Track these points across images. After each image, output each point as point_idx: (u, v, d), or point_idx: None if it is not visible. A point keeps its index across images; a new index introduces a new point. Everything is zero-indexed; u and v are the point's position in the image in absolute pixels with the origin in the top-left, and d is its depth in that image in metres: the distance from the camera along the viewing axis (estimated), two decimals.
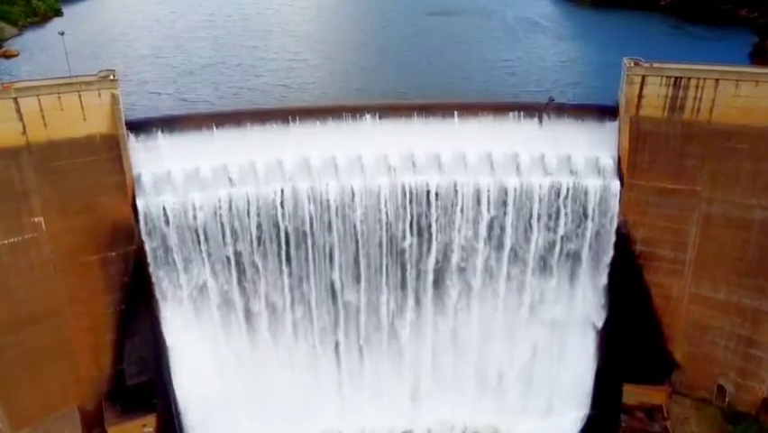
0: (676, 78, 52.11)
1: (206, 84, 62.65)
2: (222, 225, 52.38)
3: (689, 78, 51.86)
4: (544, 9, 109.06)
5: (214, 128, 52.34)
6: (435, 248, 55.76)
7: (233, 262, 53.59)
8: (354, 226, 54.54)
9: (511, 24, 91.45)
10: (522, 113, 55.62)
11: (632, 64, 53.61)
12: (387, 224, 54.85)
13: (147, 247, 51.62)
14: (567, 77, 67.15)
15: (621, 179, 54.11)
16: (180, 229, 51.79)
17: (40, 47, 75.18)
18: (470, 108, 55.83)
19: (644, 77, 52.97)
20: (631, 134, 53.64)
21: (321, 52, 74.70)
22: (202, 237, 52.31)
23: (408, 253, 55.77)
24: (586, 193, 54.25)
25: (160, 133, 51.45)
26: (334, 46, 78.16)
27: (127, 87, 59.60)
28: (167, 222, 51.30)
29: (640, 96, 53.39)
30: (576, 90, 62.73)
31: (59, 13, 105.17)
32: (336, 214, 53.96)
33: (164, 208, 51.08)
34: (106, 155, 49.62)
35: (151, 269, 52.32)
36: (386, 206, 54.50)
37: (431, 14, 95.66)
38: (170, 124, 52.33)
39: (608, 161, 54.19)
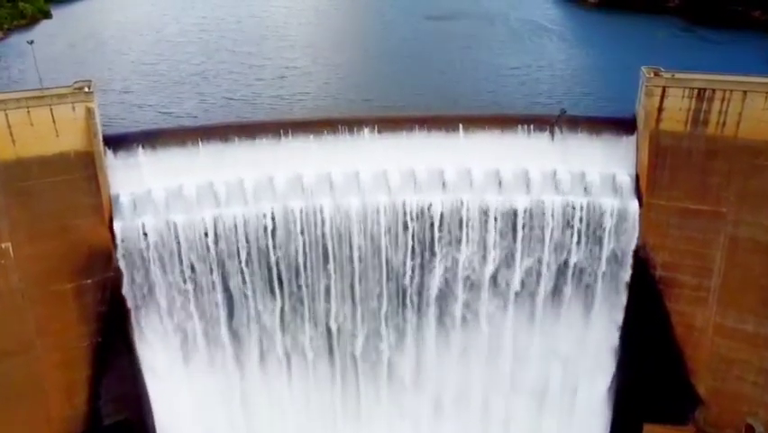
0: (700, 89, 48.12)
1: (193, 94, 58.45)
2: (207, 248, 48.38)
3: (713, 90, 47.87)
4: (548, 11, 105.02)
5: (200, 143, 48.66)
6: (438, 272, 51.62)
7: (219, 289, 49.53)
8: (350, 251, 50.52)
9: (515, 28, 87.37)
10: (532, 126, 51.72)
11: (651, 74, 49.64)
12: (386, 246, 50.81)
13: (125, 274, 47.68)
14: (577, 85, 63.02)
15: (639, 199, 50.20)
16: (162, 254, 47.90)
17: (17, 53, 71.04)
18: (475, 121, 52.02)
19: (664, 88, 49.00)
20: (650, 150, 49.74)
21: (316, 59, 70.44)
22: (186, 262, 48.39)
23: (409, 278, 51.67)
24: (602, 214, 50.30)
25: (140, 148, 47.69)
26: (331, 52, 73.88)
27: (108, 98, 55.90)
28: (147, 246, 47.31)
29: (660, 109, 49.43)
30: (588, 101, 58.52)
31: (47, 15, 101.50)
32: (331, 235, 50.03)
33: (144, 231, 47.15)
34: (81, 174, 45.84)
35: (130, 298, 48.33)
36: (385, 227, 50.54)
37: (431, 18, 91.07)
38: (152, 138, 48.63)
39: (625, 178, 50.29)
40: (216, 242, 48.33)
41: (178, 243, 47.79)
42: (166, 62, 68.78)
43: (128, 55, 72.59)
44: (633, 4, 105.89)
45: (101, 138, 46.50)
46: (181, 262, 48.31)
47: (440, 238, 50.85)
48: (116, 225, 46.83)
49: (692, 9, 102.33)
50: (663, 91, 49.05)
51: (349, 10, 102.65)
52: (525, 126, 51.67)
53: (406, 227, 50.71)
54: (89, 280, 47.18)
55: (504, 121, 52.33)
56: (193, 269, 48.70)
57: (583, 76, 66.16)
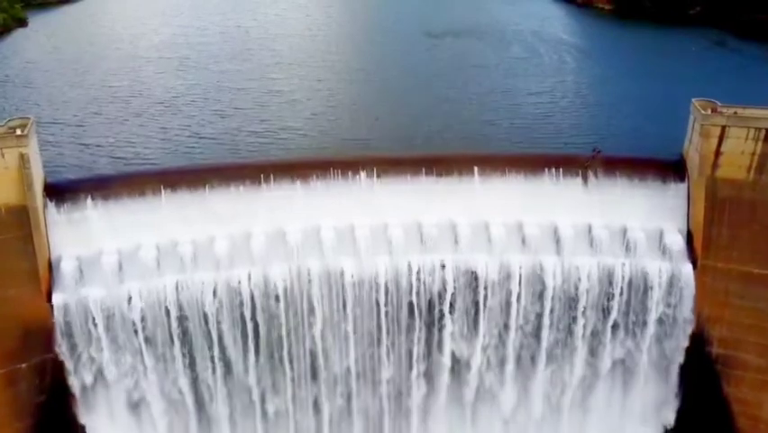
0: None
1: (156, 129, 49.72)
2: (168, 323, 39.95)
3: None
4: (562, 21, 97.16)
5: (162, 192, 40.64)
6: (449, 350, 43.11)
7: (182, 373, 41.11)
8: (344, 324, 41.99)
9: (530, 42, 78.83)
10: (561, 170, 43.51)
11: (708, 110, 41.17)
12: (387, 318, 42.27)
13: (68, 356, 39.42)
14: (608, 115, 54.67)
15: (693, 261, 41.86)
16: (114, 330, 39.61)
17: None
18: (493, 163, 43.82)
19: (724, 128, 40.77)
20: (706, 202, 41.68)
21: (304, 82, 61.66)
22: (142, 340, 39.83)
23: (415, 357, 43.13)
24: (647, 280, 41.77)
25: (89, 200, 39.72)
26: (322, 73, 64.85)
27: (56, 135, 47.46)
28: (95, 322, 38.88)
29: (718, 153, 41.28)
30: (623, 135, 50.17)
31: (22, 23, 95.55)
32: (321, 306, 41.52)
33: (90, 304, 38.77)
34: (13, 234, 38.15)
35: (75, 384, 39.89)
36: (386, 294, 42.03)
37: (434, 36, 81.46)
38: (105, 187, 40.69)
39: (675, 236, 42.00)
40: (180, 316, 40.11)
41: (133, 317, 39.20)
42: (132, 86, 60.27)
43: (93, 75, 64.26)
44: (650, 12, 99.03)
45: (40, 189, 39.05)
46: (137, 339, 39.76)
47: (452, 308, 42.22)
48: (56, 298, 38.61)
49: (714, 17, 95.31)
50: (723, 131, 40.82)
51: (343, 24, 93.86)
52: (553, 169, 43.56)
53: (410, 295, 42.24)
54: (24, 365, 39.10)
55: (527, 163, 44.22)
56: (152, 348, 40.17)
57: (614, 102, 57.68)
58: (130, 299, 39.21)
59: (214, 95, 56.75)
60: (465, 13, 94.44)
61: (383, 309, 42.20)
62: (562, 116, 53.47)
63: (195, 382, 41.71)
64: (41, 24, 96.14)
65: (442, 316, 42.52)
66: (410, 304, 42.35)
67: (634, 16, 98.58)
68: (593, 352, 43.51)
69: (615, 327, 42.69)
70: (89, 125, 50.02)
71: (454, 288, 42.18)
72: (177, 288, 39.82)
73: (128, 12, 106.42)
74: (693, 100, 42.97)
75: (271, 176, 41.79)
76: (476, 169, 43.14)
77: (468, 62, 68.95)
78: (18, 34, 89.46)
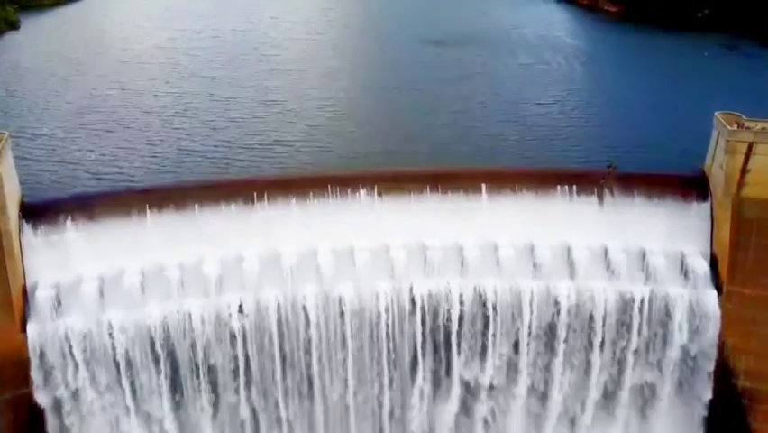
0: None
1: (142, 143, 46.79)
2: (153, 356, 37.00)
3: None
4: (569, 25, 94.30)
5: (148, 212, 37.80)
6: (457, 381, 40.21)
7: (167, 410, 38.14)
8: (343, 353, 39.04)
9: (536, 47, 76.00)
10: (575, 187, 40.61)
11: (734, 125, 38.36)
12: (388, 348, 39.38)
13: (45, 390, 36.45)
14: (621, 125, 51.87)
15: (718, 287, 38.94)
16: (94, 363, 36.59)
17: None
18: (502, 179, 40.99)
19: (751, 144, 38.06)
20: (732, 223, 38.87)
21: (302, 91, 58.60)
22: (124, 374, 36.85)
23: (420, 390, 40.24)
24: (668, 307, 38.88)
25: (69, 221, 36.87)
26: (319, 81, 61.78)
27: (34, 151, 44.55)
28: (72, 354, 36.04)
29: (744, 171, 38.59)
30: (638, 149, 47.17)
31: (15, 25, 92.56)
32: (318, 334, 38.63)
33: (68, 335, 35.83)
34: None
35: (51, 421, 37.04)
36: (387, 321, 39.10)
37: (437, 43, 78.06)
38: (86, 207, 37.78)
39: (697, 260, 39.14)
40: (166, 348, 37.02)
41: (114, 348, 36.42)
42: (121, 94, 57.46)
43: (80, 82, 61.52)
44: (657, 14, 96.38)
45: (15, 210, 36.36)
46: (119, 373, 36.80)
47: (458, 337, 39.33)
48: (31, 328, 35.76)
49: (723, 20, 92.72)
50: (750, 148, 38.09)
51: (342, 29, 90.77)
52: (566, 187, 40.65)
53: (414, 323, 39.31)
54: None
55: (538, 179, 41.41)
56: (135, 383, 37.22)
57: (626, 113, 54.98)
58: (111, 329, 36.29)
59: (206, 105, 53.86)
60: (468, 17, 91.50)
61: (384, 338, 39.26)
62: (572, 128, 50.66)
63: (181, 418, 38.71)
64: (33, 27, 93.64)
65: (448, 345, 39.60)
66: (413, 333, 39.45)
67: (640, 19, 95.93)
68: (610, 385, 40.54)
69: (633, 358, 39.72)
70: (72, 139, 47.15)
71: (461, 315, 39.26)
72: (162, 317, 36.89)
73: (123, 14, 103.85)
74: (717, 114, 40.22)
75: (265, 194, 39.05)
76: (484, 186, 40.32)
77: (472, 69, 66.00)
78: (8, 38, 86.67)
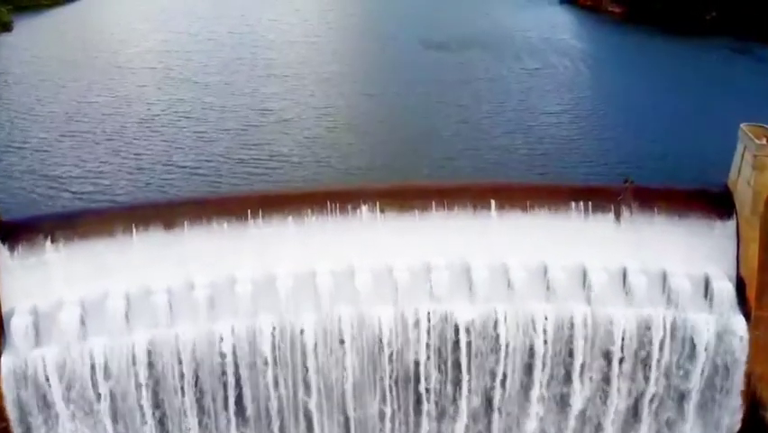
0: None
1: (129, 155, 44.16)
2: (138, 388, 34.42)
3: None
4: (574, 27, 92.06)
5: (134, 231, 35.42)
6: (463, 414, 37.61)
7: None
8: (342, 384, 36.42)
9: (542, 51, 73.56)
10: (590, 204, 38.07)
11: (762, 139, 35.82)
12: (391, 377, 36.75)
13: (20, 429, 33.93)
14: (635, 136, 49.30)
15: (746, 313, 36.26)
16: (74, 396, 33.99)
17: None
18: (512, 194, 38.56)
19: None
20: (761, 243, 36.18)
21: (299, 98, 56.10)
22: (106, 409, 34.26)
23: (425, 422, 37.64)
24: (691, 334, 36.24)
25: (49, 242, 34.54)
26: (317, 88, 59.17)
27: (14, 164, 42.11)
28: (50, 388, 33.55)
29: None
30: (653, 160, 44.77)
31: (8, 27, 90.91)
32: (316, 366, 36.06)
33: (46, 367, 33.22)
34: None
35: None
36: (389, 347, 36.41)
37: (438, 48, 75.46)
38: (68, 226, 35.42)
39: (723, 283, 36.48)
40: (152, 380, 34.49)
41: (95, 381, 33.90)
42: (110, 102, 55.17)
43: (69, 89, 59.19)
44: (662, 16, 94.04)
45: None
46: (101, 408, 34.31)
47: (467, 365, 36.72)
48: (6, 360, 33.21)
49: (731, 22, 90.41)
50: None
51: (342, 32, 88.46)
52: (581, 203, 38.08)
53: (418, 350, 36.65)
54: None
55: (551, 194, 38.99)
56: (118, 418, 34.69)
57: (639, 121, 52.40)
58: (93, 359, 33.73)
59: (198, 113, 51.32)
60: (470, 19, 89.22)
61: (387, 367, 36.66)
62: (584, 139, 48.23)
63: None
64: (26, 29, 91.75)
65: (456, 375, 36.98)
66: (417, 361, 36.83)
67: (645, 21, 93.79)
68: (631, 418, 37.89)
69: (653, 389, 37.09)
70: (54, 151, 44.67)
71: (469, 342, 36.67)
72: (148, 346, 34.33)
73: (119, 15, 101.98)
74: (742, 126, 37.63)
75: (259, 211, 36.64)
76: (493, 202, 37.86)
77: (476, 74, 63.53)
78: (0, 41, 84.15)
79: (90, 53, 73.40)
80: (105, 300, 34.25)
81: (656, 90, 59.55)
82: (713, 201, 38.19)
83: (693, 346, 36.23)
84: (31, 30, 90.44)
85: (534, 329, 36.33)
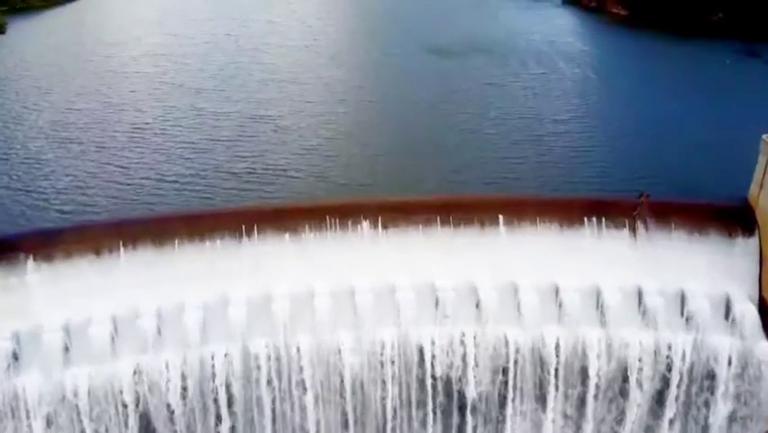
0: None
1: (117, 167, 42.00)
2: (125, 419, 32.30)
3: None
4: (579, 30, 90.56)
5: (122, 249, 33.26)
6: None
7: None
8: (343, 410, 34.39)
9: (547, 55, 71.74)
10: (603, 219, 35.95)
11: None
12: (394, 405, 34.73)
13: None
14: (649, 146, 47.17)
15: None
16: (55, 430, 31.71)
17: None
18: (522, 209, 36.41)
19: None
20: None
21: (297, 105, 53.78)
22: None
23: None
24: (712, 360, 34.14)
25: (30, 261, 32.26)
26: (317, 94, 56.88)
27: None
28: (30, 419, 31.25)
29: None
30: (666, 172, 42.65)
31: (1, 29, 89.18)
32: (314, 394, 34.07)
33: (26, 397, 31.05)
34: None
35: None
36: (392, 374, 34.36)
37: (439, 53, 73.06)
38: (50, 243, 33.12)
39: (745, 305, 34.36)
40: (140, 409, 32.47)
41: (78, 412, 31.74)
42: (97, 109, 52.80)
43: (56, 95, 56.97)
44: (668, 18, 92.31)
45: None
46: None
47: (475, 394, 34.65)
48: None
49: (738, 24, 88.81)
50: None
51: (341, 35, 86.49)
52: (594, 218, 36.08)
53: (423, 377, 34.59)
54: None
55: (562, 209, 36.82)
56: None
57: (652, 129, 50.07)
58: (76, 388, 31.60)
59: (191, 121, 49.10)
60: (473, 22, 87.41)
61: (389, 394, 34.62)
62: (595, 149, 45.97)
63: None
64: (20, 31, 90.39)
65: (461, 403, 34.92)
66: (422, 389, 34.78)
67: (650, 22, 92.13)
68: None
69: (672, 421, 35.04)
70: (38, 162, 42.30)
71: (476, 367, 34.61)
72: (135, 373, 32.26)
73: (114, 17, 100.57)
74: (764, 137, 35.53)
75: (255, 227, 34.47)
76: (501, 217, 35.75)
77: (481, 80, 61.36)
78: None
79: (82, 57, 71.36)
80: (89, 325, 31.96)
81: (669, 96, 57.40)
82: (734, 216, 36.17)
83: (714, 373, 34.19)
84: (25, 32, 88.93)
85: (546, 354, 34.26)
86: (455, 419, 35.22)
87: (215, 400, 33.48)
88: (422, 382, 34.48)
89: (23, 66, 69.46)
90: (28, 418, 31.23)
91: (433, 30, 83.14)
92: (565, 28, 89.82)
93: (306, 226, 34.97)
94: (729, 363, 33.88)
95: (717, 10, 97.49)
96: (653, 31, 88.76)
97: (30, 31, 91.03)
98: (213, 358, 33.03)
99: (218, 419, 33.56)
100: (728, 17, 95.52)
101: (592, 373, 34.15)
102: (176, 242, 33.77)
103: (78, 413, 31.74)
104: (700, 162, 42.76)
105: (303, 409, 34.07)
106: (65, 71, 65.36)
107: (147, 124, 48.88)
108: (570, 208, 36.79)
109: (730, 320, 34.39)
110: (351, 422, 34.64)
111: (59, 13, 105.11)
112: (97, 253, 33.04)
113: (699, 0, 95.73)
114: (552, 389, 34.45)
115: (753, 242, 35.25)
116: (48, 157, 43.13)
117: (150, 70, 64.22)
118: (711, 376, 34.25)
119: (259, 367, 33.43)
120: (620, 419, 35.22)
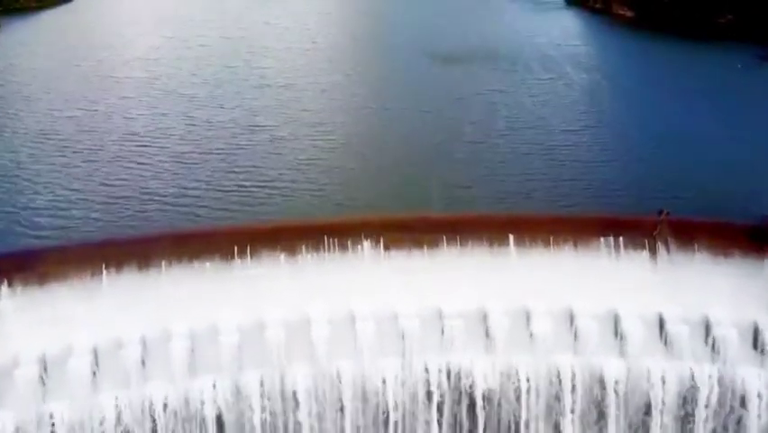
0: None
1: (100, 182, 39.79)
2: None
3: None
4: (585, 32, 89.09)
5: (105, 272, 31.13)
6: None
7: None
8: None
9: (554, 59, 70.15)
10: (621, 239, 33.69)
11: None
12: None
13: None
14: (664, 158, 45.00)
15: None
16: None
17: None
18: (533, 228, 34.44)
19: None
20: None
21: (293, 113, 51.89)
22: None
23: None
24: (741, 391, 31.86)
25: (4, 286, 30.10)
26: (315, 102, 54.94)
27: None
28: None
29: None
30: (684, 188, 40.30)
31: None
32: (310, 426, 31.72)
33: None
34: None
35: None
36: (396, 407, 32.10)
37: (442, 60, 70.89)
38: (27, 267, 31.16)
39: None
40: None
41: None
42: (84, 118, 51.44)
43: (42, 102, 55.72)
44: (674, 19, 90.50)
45: None
46: None
47: (486, 428, 32.42)
48: None
49: (748, 26, 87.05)
50: None
51: (341, 38, 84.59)
52: (611, 238, 33.81)
53: (428, 409, 32.43)
54: None
55: (577, 228, 34.79)
56: None
57: (666, 139, 48.20)
58: (53, 426, 29.37)
59: (181, 131, 47.04)
60: (477, 25, 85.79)
61: (392, 428, 32.39)
62: (610, 162, 43.94)
63: None
64: (12, 33, 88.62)
65: None
66: (427, 422, 32.58)
67: (656, 24, 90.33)
68: None
69: None
70: (16, 177, 40.00)
71: (485, 399, 32.39)
72: (117, 408, 29.98)
73: (108, 19, 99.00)
74: None
75: (247, 248, 32.43)
76: (511, 237, 33.60)
77: (486, 87, 59.32)
78: None
79: (73, 61, 69.62)
80: (69, 356, 29.82)
81: (681, 104, 55.38)
82: (759, 237, 33.98)
83: (743, 406, 31.91)
84: (17, 35, 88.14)
85: (561, 385, 32.05)
86: None
87: None
88: (427, 415, 32.21)
89: (13, 70, 68.21)
90: None
91: (436, 33, 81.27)
92: (570, 31, 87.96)
93: (303, 247, 32.87)
94: (759, 396, 31.55)
95: (726, 12, 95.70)
96: (659, 33, 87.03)
97: (23, 33, 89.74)
98: (201, 391, 30.83)
99: None
100: (737, 19, 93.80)
101: (609, 400, 31.89)
102: (162, 264, 31.63)
103: None
104: (722, 176, 40.53)
105: None
106: (53, 76, 63.51)
107: (135, 134, 46.68)
108: (584, 227, 34.79)
109: (759, 349, 32.09)
110: None
111: (54, 14, 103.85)
112: (79, 276, 30.85)
113: (706, 1, 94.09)
114: (567, 416, 32.17)
115: None
116: (27, 170, 40.86)
117: (141, 75, 62.19)
118: (739, 409, 31.96)
119: (251, 401, 31.20)
120: None
